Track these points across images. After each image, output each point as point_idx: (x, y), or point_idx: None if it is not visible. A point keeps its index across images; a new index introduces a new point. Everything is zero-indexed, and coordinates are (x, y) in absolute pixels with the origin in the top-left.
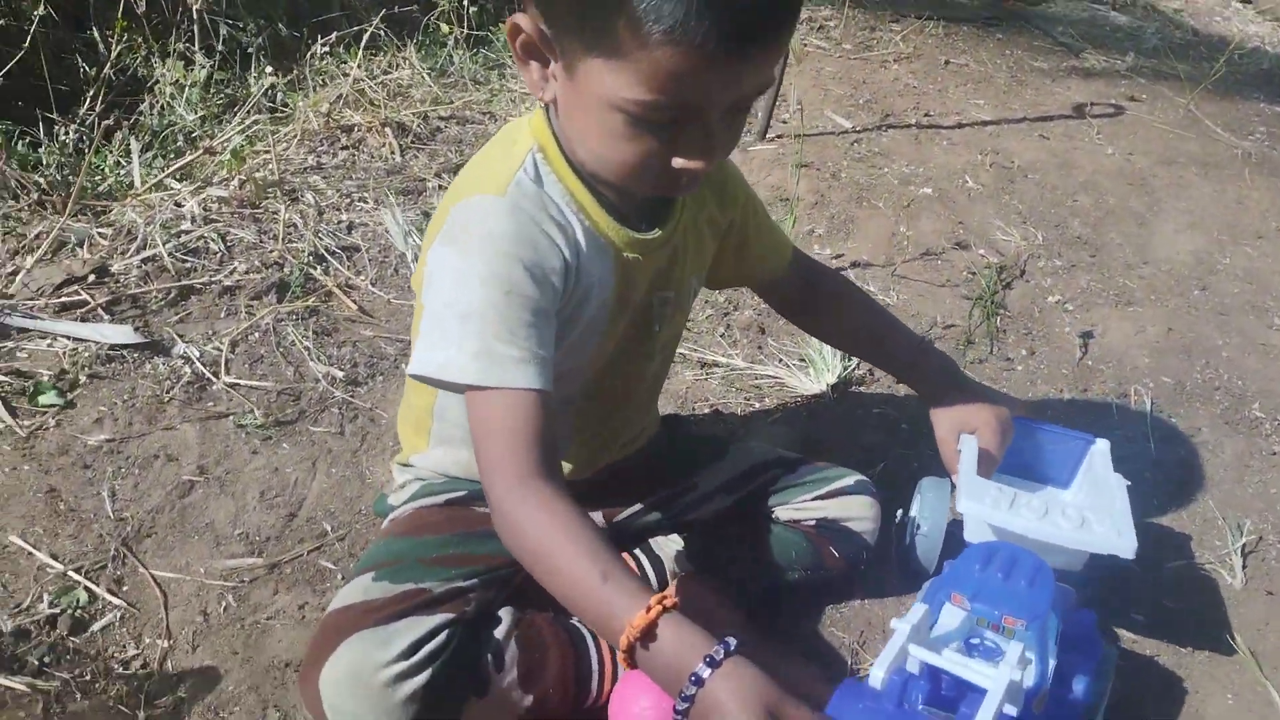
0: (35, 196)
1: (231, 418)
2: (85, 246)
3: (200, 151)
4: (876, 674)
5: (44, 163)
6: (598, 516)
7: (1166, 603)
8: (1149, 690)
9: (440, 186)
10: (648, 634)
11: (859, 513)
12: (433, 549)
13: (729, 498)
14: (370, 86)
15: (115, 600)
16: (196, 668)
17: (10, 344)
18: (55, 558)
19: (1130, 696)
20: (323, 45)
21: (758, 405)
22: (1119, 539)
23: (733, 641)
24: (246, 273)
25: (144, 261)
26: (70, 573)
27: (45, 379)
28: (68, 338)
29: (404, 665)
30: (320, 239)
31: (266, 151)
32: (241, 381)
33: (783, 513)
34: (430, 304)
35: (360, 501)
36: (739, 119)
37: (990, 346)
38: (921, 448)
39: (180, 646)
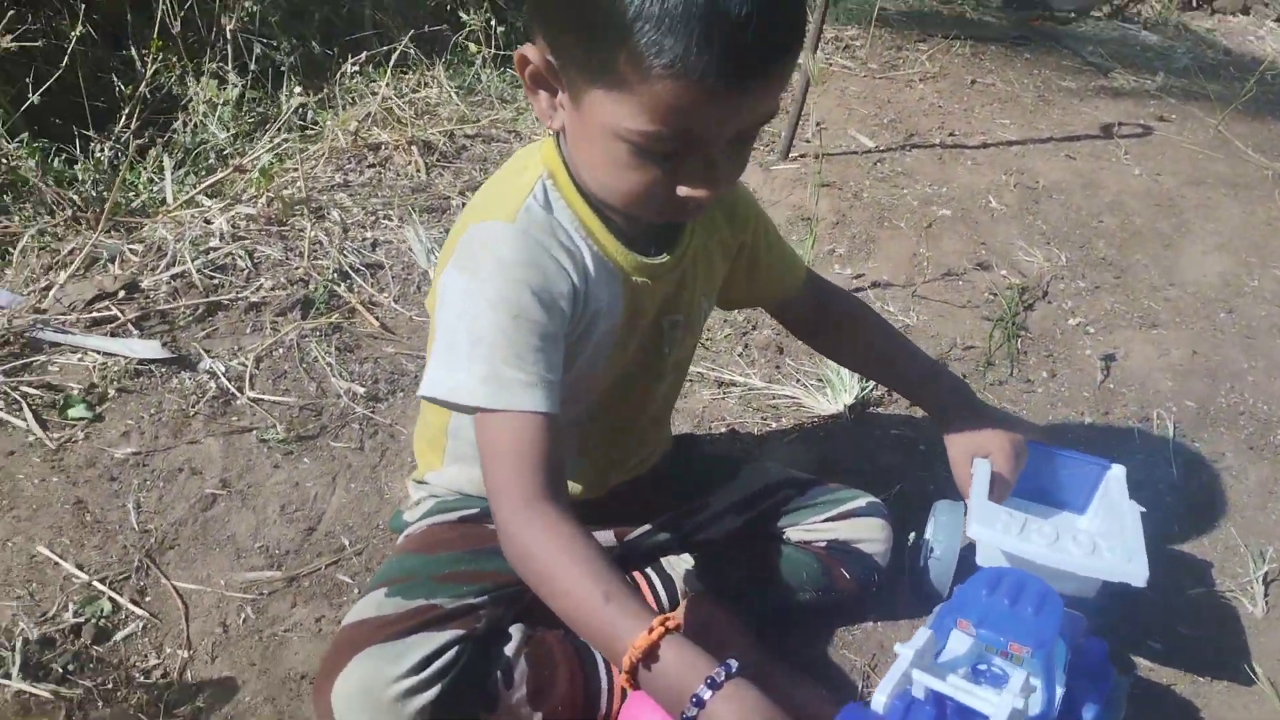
0: (70, 213)
1: (254, 432)
2: (117, 263)
3: (230, 169)
4: (879, 698)
5: (79, 179)
6: (609, 535)
7: (1184, 630)
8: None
9: (463, 204)
10: (650, 655)
11: (870, 534)
12: (445, 565)
13: (740, 518)
14: (398, 105)
15: (138, 610)
16: (215, 678)
17: (43, 357)
18: (81, 568)
19: None
20: (353, 64)
21: (774, 425)
22: (1130, 566)
23: (734, 664)
24: (272, 289)
25: (173, 278)
26: (95, 583)
27: (75, 392)
28: (98, 352)
29: (414, 680)
30: (345, 256)
31: (294, 169)
32: (265, 397)
33: (794, 533)
34: (441, 327)
35: (378, 516)
36: (743, 149)
37: (1010, 368)
38: (938, 470)
39: (200, 657)
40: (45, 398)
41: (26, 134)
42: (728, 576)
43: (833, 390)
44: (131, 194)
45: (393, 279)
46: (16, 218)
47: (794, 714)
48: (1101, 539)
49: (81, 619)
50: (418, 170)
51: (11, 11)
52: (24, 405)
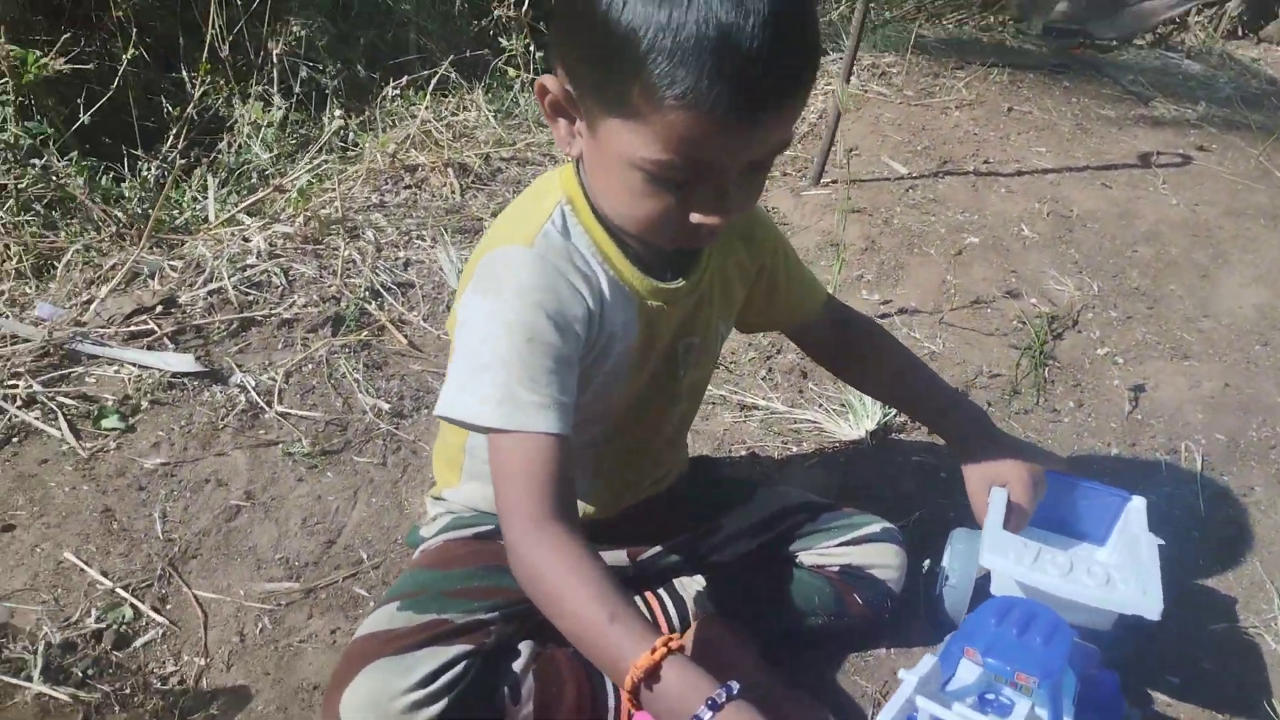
0: (114, 229)
1: (280, 446)
2: (156, 278)
3: (270, 189)
4: None
5: (126, 197)
6: (622, 555)
7: (1205, 665)
8: None
9: None
10: (652, 675)
11: (884, 560)
12: (457, 581)
13: (754, 541)
14: (437, 128)
15: (158, 618)
16: (230, 686)
17: (80, 369)
18: (105, 575)
19: None
20: (394, 88)
21: (795, 449)
22: (1144, 599)
23: (735, 686)
24: (305, 306)
25: (210, 294)
26: (118, 589)
27: (109, 403)
28: (133, 365)
29: (421, 694)
30: (377, 275)
31: (332, 190)
32: (292, 411)
33: (807, 558)
34: (459, 348)
35: (397, 531)
36: (757, 177)
37: (1037, 397)
38: (958, 498)
39: (216, 665)
40: (80, 408)
41: (76, 152)
42: (740, 599)
43: (855, 416)
44: (176, 212)
45: (422, 298)
46: (63, 233)
47: None
48: (1116, 571)
49: (103, 625)
50: (452, 192)
51: (66, 34)
52: (59, 415)
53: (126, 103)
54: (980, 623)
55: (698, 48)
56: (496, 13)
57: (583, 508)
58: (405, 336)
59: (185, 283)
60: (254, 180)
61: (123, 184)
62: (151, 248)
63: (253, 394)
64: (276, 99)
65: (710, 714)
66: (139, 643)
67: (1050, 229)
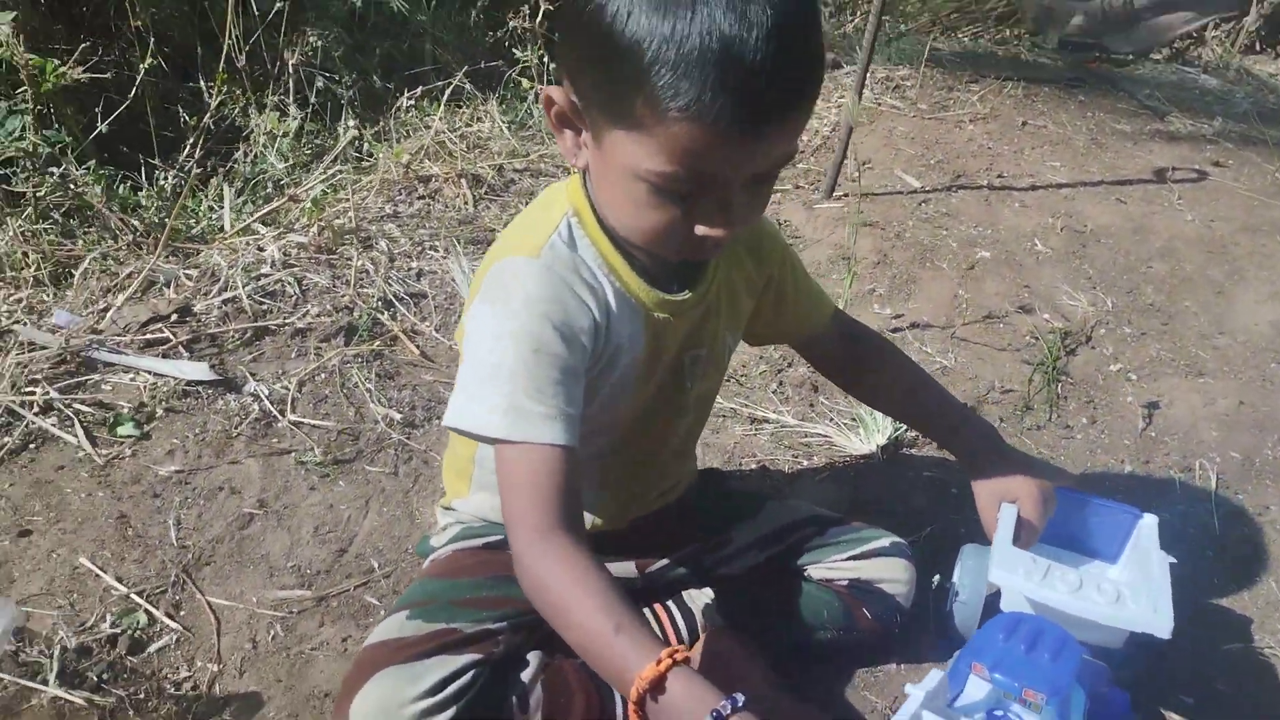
0: (131, 238)
1: (293, 454)
2: (172, 287)
3: (285, 199)
4: None
5: (143, 205)
6: (630, 566)
7: (1220, 686)
8: None
9: None
10: (657, 686)
11: (893, 575)
12: (466, 591)
13: (762, 553)
14: (451, 139)
15: (172, 624)
16: (242, 693)
17: (96, 376)
18: (120, 580)
19: None
20: (408, 98)
21: (806, 463)
22: (1154, 617)
23: (740, 698)
24: (318, 316)
25: (225, 303)
26: (133, 595)
27: (125, 411)
28: (149, 373)
29: (429, 702)
30: (390, 285)
31: (346, 200)
32: (305, 420)
33: (815, 571)
34: (466, 359)
35: (408, 541)
36: (761, 189)
37: (1049, 413)
38: (969, 514)
39: (229, 671)
40: (96, 415)
41: (94, 161)
42: (748, 612)
43: (865, 430)
44: (192, 221)
45: (435, 308)
46: (80, 241)
47: None
48: (1127, 588)
49: (118, 630)
50: (465, 203)
51: (85, 44)
52: (76, 422)
53: (144, 112)
54: (988, 638)
55: (701, 60)
56: (512, 24)
57: (591, 519)
58: (417, 347)
59: (200, 291)
60: (269, 190)
61: (140, 193)
62: (167, 256)
63: (266, 403)
64: (292, 109)
65: None
66: (153, 648)
67: (1064, 244)
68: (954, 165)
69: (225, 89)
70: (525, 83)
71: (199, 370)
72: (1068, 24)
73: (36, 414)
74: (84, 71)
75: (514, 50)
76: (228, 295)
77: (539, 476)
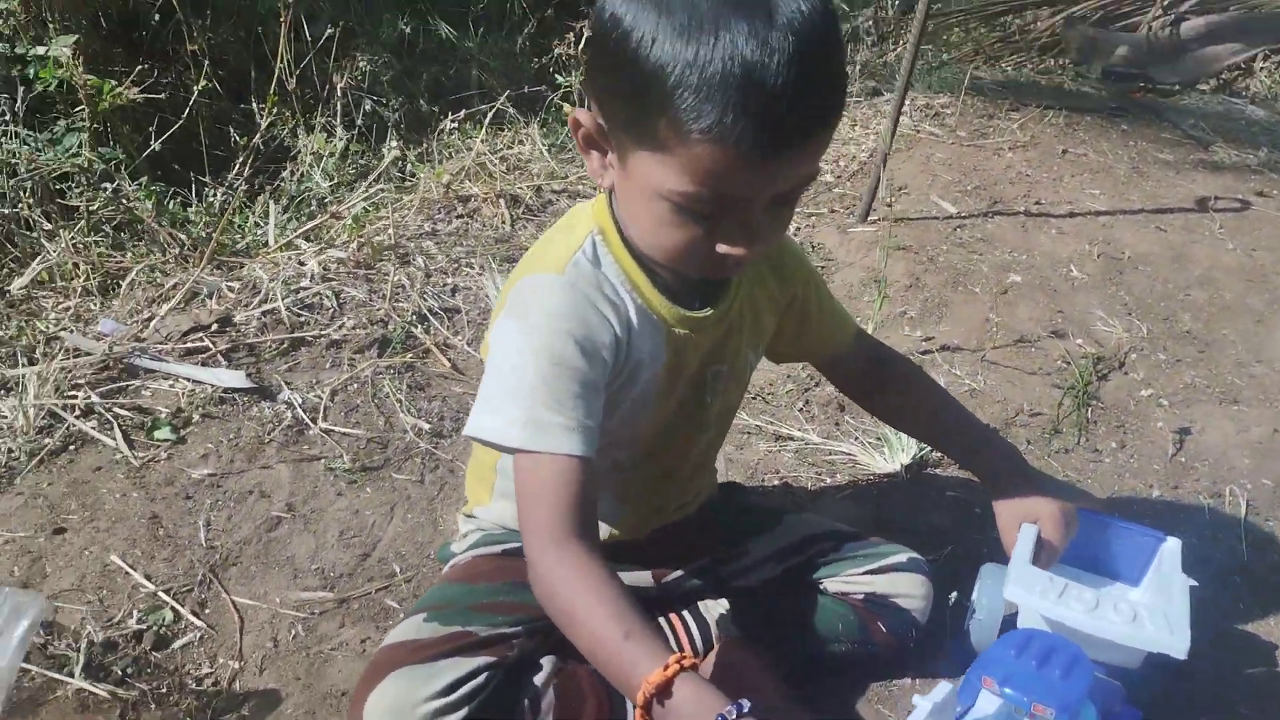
0: (178, 251)
1: (323, 461)
2: (215, 298)
3: (327, 216)
4: None
5: (191, 221)
6: (647, 576)
7: (1242, 710)
8: None
9: None
10: (664, 691)
11: (909, 590)
12: (483, 595)
13: (779, 566)
14: (491, 160)
15: (197, 622)
16: (261, 690)
17: (137, 382)
18: (149, 578)
19: None
20: (452, 121)
21: (829, 481)
22: (1170, 637)
23: (746, 704)
24: (353, 328)
25: (264, 314)
26: (160, 593)
27: (163, 416)
28: (187, 380)
29: (442, 702)
30: (425, 300)
31: (386, 218)
32: (336, 428)
33: (831, 584)
34: (489, 371)
35: (430, 547)
36: (783, 210)
37: (1078, 437)
38: (991, 533)
39: (249, 669)
40: (135, 419)
41: (146, 177)
42: (763, 623)
43: (890, 449)
44: (238, 236)
45: (467, 323)
46: (129, 254)
47: None
48: (1145, 609)
49: (144, 626)
50: (503, 222)
51: (143, 66)
52: (115, 425)
53: (197, 131)
54: (1000, 653)
55: (723, 84)
56: (557, 50)
57: (609, 530)
58: (449, 360)
59: (241, 303)
60: (313, 207)
61: (189, 209)
62: (212, 270)
63: (299, 411)
64: (339, 130)
65: None
66: (177, 644)
67: (1100, 270)
68: (991, 191)
69: (276, 111)
70: (567, 107)
71: (236, 378)
72: (1112, 54)
73: (77, 417)
74: (140, 92)
75: (557, 75)
76: (267, 307)
77: (556, 486)
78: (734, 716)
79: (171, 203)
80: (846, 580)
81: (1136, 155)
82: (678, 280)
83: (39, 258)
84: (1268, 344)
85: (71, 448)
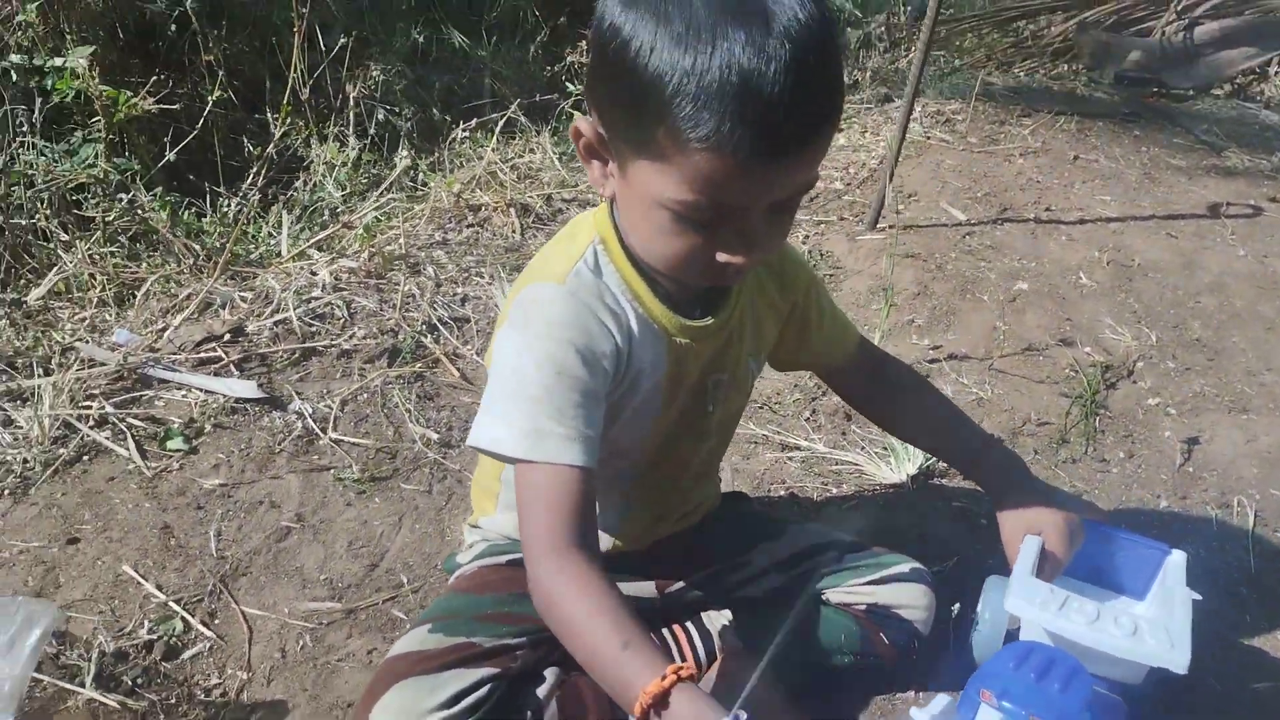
0: (193, 261)
1: (332, 471)
2: (228, 308)
3: (339, 225)
4: None
5: (206, 231)
6: (650, 587)
7: None
8: None
9: None
10: (660, 701)
11: (912, 600)
12: (488, 606)
13: (782, 576)
14: (502, 169)
15: (207, 632)
16: (269, 700)
17: (150, 392)
18: (160, 589)
19: None
20: (463, 130)
21: (835, 491)
22: (1171, 651)
23: (743, 714)
24: (364, 338)
25: (276, 324)
26: (171, 603)
27: (175, 426)
28: (200, 390)
29: (445, 713)
30: (435, 309)
31: (397, 227)
32: (346, 438)
33: (834, 595)
34: (491, 381)
35: (437, 557)
36: (782, 218)
37: (1086, 446)
38: (997, 544)
39: (257, 679)
40: (148, 429)
41: (161, 188)
42: (765, 634)
43: (896, 459)
44: (251, 246)
45: (477, 333)
46: (144, 264)
47: None
48: (1146, 623)
49: (155, 636)
50: (513, 231)
51: (160, 76)
52: (129, 435)
53: (212, 142)
54: (999, 666)
55: (720, 92)
56: (569, 59)
57: (612, 541)
58: (458, 369)
59: (254, 313)
60: (325, 217)
61: (204, 219)
62: (225, 280)
63: (309, 421)
64: (351, 140)
65: None
66: (187, 655)
67: (1110, 278)
68: (1001, 198)
69: (289, 120)
70: (578, 115)
71: (247, 388)
72: (1125, 59)
73: (92, 427)
74: (155, 103)
75: (569, 84)
76: (279, 317)
77: (556, 496)
78: None
79: (186, 213)
80: (849, 591)
81: (1149, 161)
82: (679, 289)
83: (55, 268)
84: (1278, 352)
85: (86, 458)
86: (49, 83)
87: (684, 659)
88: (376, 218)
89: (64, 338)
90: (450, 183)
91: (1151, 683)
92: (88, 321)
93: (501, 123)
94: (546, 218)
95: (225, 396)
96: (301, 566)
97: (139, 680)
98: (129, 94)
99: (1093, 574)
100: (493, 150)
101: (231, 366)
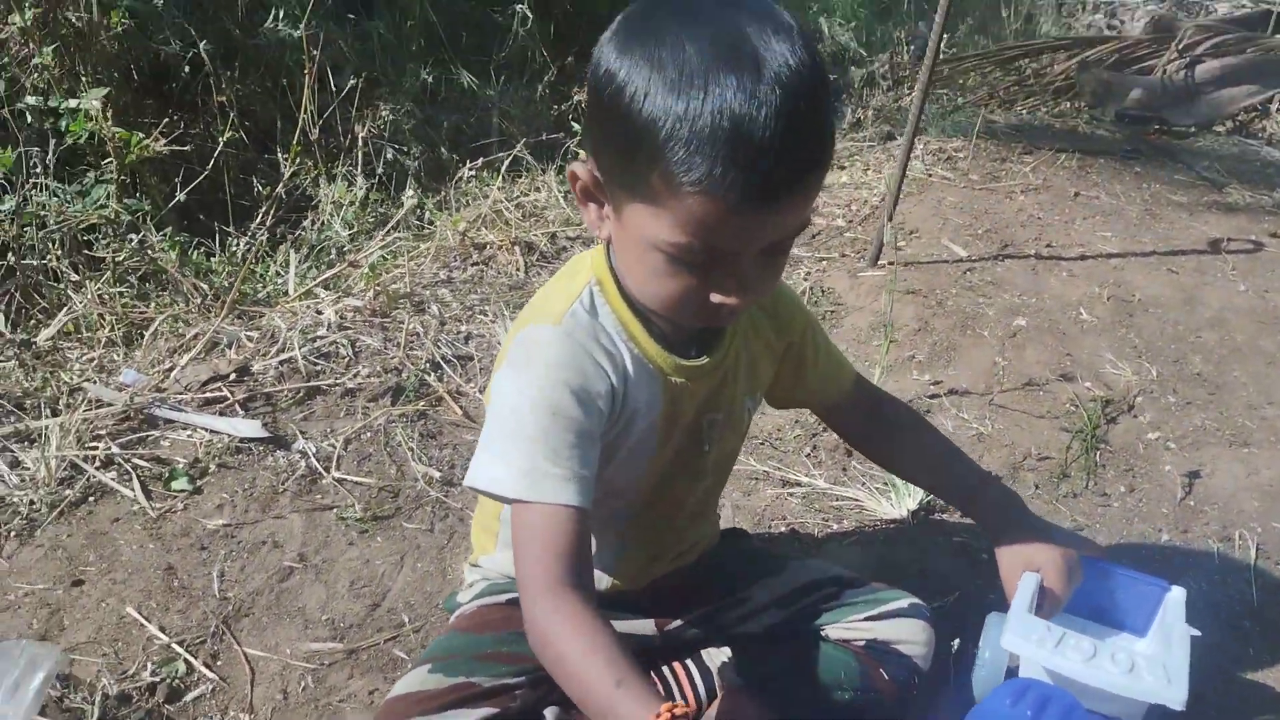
0: (200, 301)
1: (335, 510)
2: (234, 348)
3: (345, 264)
4: None
5: (214, 270)
6: (650, 625)
7: None
8: None
9: None
10: None
11: (911, 636)
12: (488, 646)
13: (781, 612)
14: (508, 207)
15: (209, 674)
16: None
17: (156, 433)
18: (163, 630)
19: None
20: (470, 169)
21: (835, 526)
22: (1168, 688)
23: None
24: (368, 376)
25: (281, 363)
26: (174, 645)
27: (180, 466)
28: (205, 429)
29: None
30: (439, 347)
31: (402, 266)
32: (349, 477)
33: (833, 631)
34: (489, 421)
35: (439, 596)
36: (775, 260)
37: (1086, 481)
38: (998, 579)
39: None
40: (153, 470)
41: (171, 228)
42: (765, 671)
43: (897, 494)
44: (259, 285)
45: (480, 370)
46: (153, 304)
47: None
48: (1143, 659)
49: (158, 678)
50: (517, 269)
51: (174, 116)
52: (134, 476)
53: (223, 181)
54: (996, 703)
55: (712, 137)
56: (576, 98)
57: (610, 581)
58: (460, 407)
59: (260, 352)
60: (332, 256)
61: (212, 258)
62: (233, 319)
63: (313, 460)
64: (359, 179)
65: None
66: (189, 697)
67: (1110, 313)
68: (1002, 235)
69: (299, 160)
70: (583, 154)
71: (252, 428)
72: (1126, 97)
73: (98, 468)
74: (167, 144)
75: (575, 123)
76: (285, 356)
77: (551, 535)
78: None
79: (195, 253)
80: (848, 627)
81: (1149, 197)
82: (674, 329)
83: (65, 309)
84: (1279, 386)
85: (91, 499)
86: (63, 124)
87: (684, 697)
88: (383, 256)
89: (72, 378)
90: (456, 221)
91: (1150, 719)
92: (96, 361)
93: (508, 161)
94: (551, 255)
95: (230, 436)
96: (304, 606)
97: None
98: (141, 135)
99: (1094, 611)
100: (498, 188)
101: (237, 406)
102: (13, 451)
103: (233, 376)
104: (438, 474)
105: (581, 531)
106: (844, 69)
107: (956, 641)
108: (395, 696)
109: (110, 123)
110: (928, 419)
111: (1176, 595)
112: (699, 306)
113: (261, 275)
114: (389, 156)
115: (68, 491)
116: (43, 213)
